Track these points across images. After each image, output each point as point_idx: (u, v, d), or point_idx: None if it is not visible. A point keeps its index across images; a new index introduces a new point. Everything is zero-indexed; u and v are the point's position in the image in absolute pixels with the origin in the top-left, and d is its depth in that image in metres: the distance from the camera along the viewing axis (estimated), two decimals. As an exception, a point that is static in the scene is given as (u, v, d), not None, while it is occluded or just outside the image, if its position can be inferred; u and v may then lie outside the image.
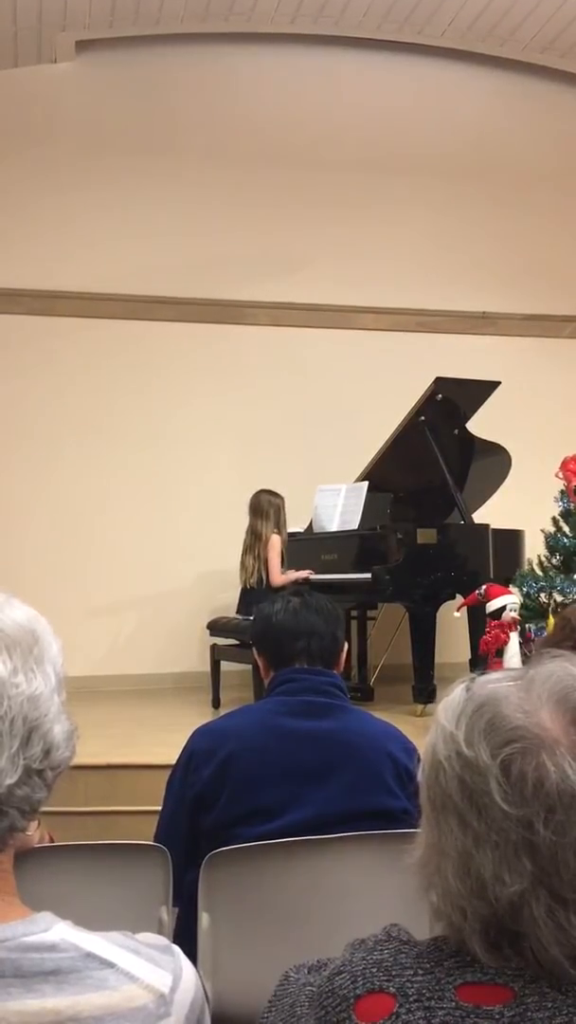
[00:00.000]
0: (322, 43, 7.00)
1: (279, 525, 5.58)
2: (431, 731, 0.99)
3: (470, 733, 0.93)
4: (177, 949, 0.95)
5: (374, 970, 0.94)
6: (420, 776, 0.99)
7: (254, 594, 5.38)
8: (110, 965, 0.87)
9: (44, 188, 6.67)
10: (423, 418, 5.46)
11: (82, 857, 1.85)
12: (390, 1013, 0.90)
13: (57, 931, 0.88)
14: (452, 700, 0.98)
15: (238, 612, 5.58)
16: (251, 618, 3.88)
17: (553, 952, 0.88)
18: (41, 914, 0.90)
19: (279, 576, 5.44)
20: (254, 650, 2.39)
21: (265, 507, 5.59)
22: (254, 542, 5.56)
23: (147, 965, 0.90)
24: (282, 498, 5.66)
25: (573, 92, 7.47)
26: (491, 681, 0.98)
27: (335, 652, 2.26)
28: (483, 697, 0.96)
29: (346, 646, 2.35)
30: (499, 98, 7.34)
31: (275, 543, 5.50)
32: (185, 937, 1.86)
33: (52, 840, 1.94)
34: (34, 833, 1.72)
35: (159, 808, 2.18)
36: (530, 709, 0.93)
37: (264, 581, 5.47)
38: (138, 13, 6.46)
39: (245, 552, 5.60)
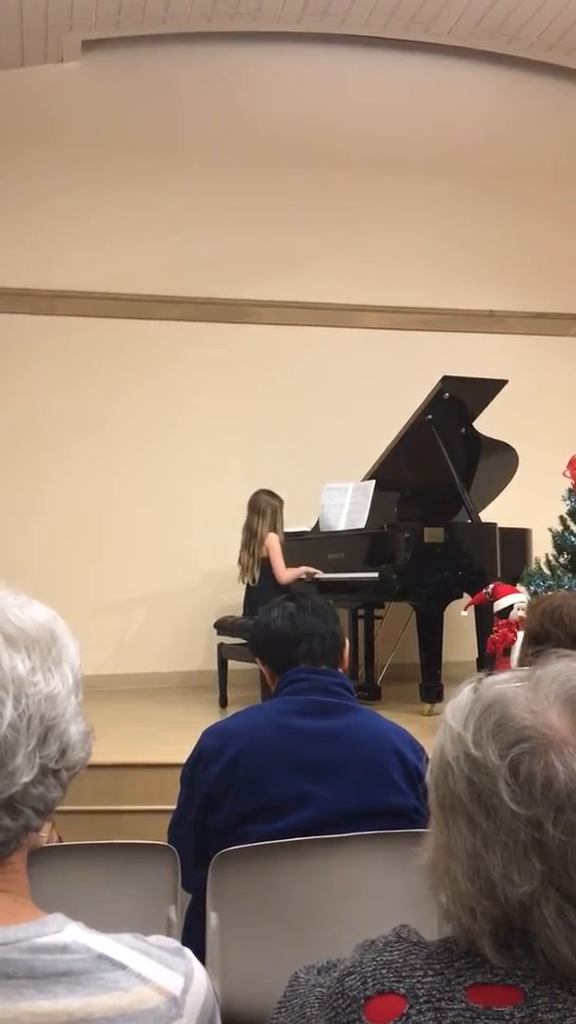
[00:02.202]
0: (328, 42, 7.00)
1: (275, 527, 5.58)
2: (439, 732, 0.99)
3: (478, 734, 0.94)
4: (188, 951, 0.95)
5: (384, 971, 0.94)
6: (428, 777, 0.99)
7: (256, 592, 5.39)
8: (122, 967, 0.87)
9: (50, 187, 6.67)
10: (430, 417, 5.45)
11: (90, 856, 1.85)
12: (400, 1014, 0.90)
13: (69, 932, 0.88)
14: (460, 701, 0.98)
15: (244, 611, 5.58)
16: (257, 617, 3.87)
17: (563, 952, 0.88)
18: (53, 915, 0.90)
19: (285, 572, 5.44)
20: (258, 660, 2.40)
21: (263, 506, 5.59)
22: (250, 539, 5.57)
23: (158, 967, 0.90)
24: (281, 500, 5.65)
25: (580, 90, 7.46)
26: (498, 681, 0.98)
27: (337, 650, 2.28)
28: (491, 698, 0.96)
29: (347, 644, 2.36)
30: (505, 96, 7.32)
31: (273, 541, 5.50)
32: (194, 936, 1.86)
33: (61, 840, 1.95)
34: (45, 834, 1.72)
35: (166, 807, 2.19)
36: (538, 709, 0.93)
37: (261, 578, 5.47)
38: (144, 12, 6.46)
39: (242, 548, 5.60)
